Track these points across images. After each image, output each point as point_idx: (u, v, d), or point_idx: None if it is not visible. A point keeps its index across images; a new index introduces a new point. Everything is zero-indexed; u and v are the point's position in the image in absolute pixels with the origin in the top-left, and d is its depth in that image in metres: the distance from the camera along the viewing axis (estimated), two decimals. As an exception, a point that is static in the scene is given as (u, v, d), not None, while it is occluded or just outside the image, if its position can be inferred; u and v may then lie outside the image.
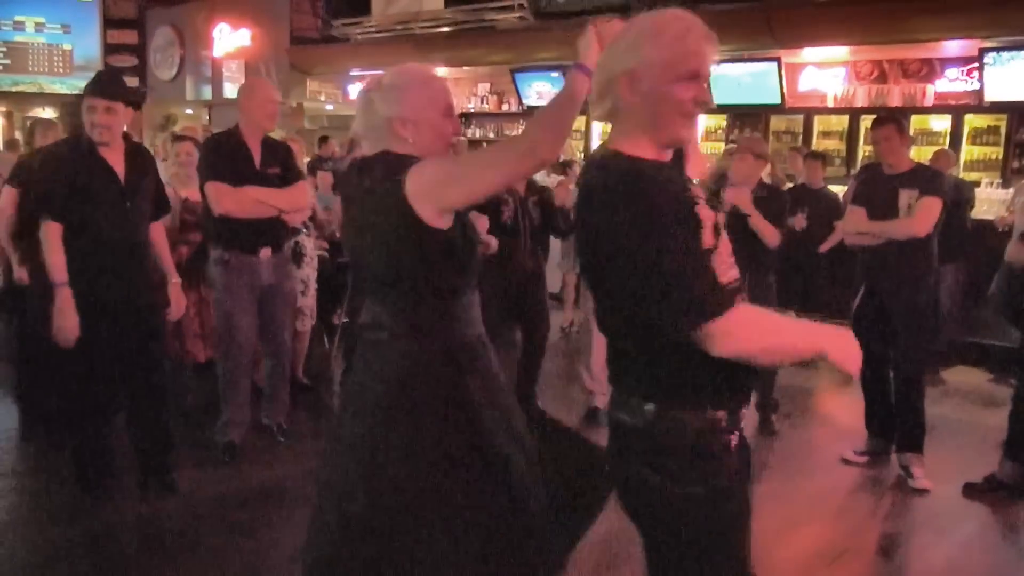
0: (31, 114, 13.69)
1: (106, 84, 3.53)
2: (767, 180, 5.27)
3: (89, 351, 3.50)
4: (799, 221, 5.69)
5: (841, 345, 1.55)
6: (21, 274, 4.57)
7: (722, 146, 9.44)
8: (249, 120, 4.13)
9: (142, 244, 3.67)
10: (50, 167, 3.54)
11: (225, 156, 4.06)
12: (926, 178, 4.20)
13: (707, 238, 1.56)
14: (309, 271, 5.36)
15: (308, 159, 10.46)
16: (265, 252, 4.17)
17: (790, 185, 7.01)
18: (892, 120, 4.31)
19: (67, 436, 3.83)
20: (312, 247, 5.44)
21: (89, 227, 3.45)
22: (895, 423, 4.36)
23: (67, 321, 3.37)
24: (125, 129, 3.66)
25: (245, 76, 13.00)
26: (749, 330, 1.54)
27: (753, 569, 1.71)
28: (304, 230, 5.23)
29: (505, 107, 12.13)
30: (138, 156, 3.68)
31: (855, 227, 4.39)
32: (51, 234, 3.41)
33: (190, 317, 4.80)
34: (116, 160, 3.54)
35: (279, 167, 4.18)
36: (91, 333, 3.47)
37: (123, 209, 3.55)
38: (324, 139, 10.57)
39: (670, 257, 1.50)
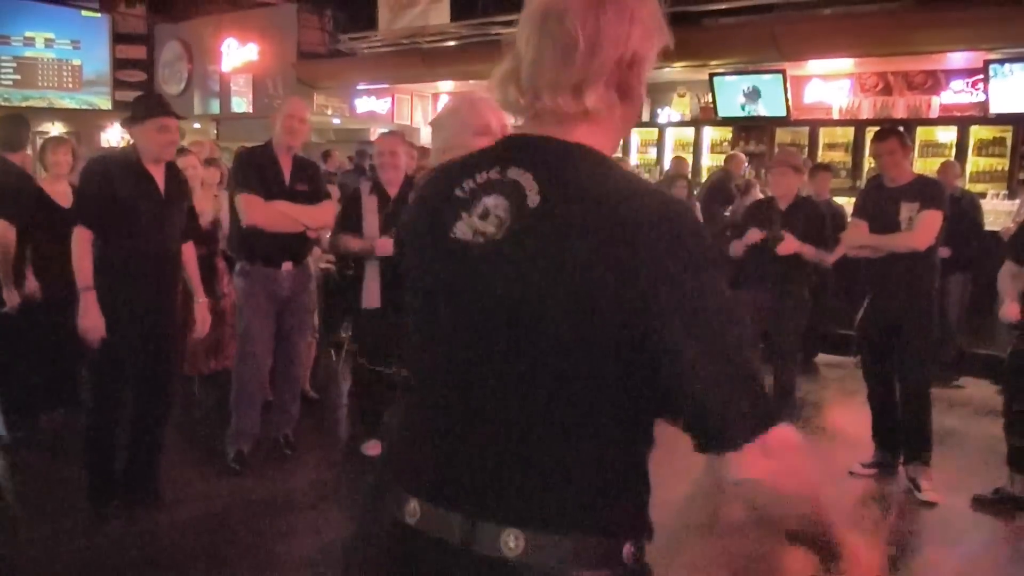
0: (40, 129, 13.78)
1: (169, 105, 3.70)
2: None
3: (118, 358, 3.57)
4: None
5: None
6: (31, 287, 4.63)
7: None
8: (276, 136, 4.26)
9: (176, 258, 3.77)
10: (95, 178, 3.61)
11: (257, 170, 4.19)
12: (927, 191, 4.21)
13: None
14: (314, 285, 5.39)
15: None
16: (287, 265, 4.26)
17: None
18: (895, 133, 4.32)
19: (85, 446, 3.77)
20: (314, 262, 5.46)
21: (130, 237, 3.53)
22: (902, 435, 4.35)
23: (92, 321, 3.45)
24: None
25: (253, 91, 13.08)
26: (790, 454, 1.07)
27: None
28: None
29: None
30: (175, 174, 3.80)
31: (856, 240, 4.40)
32: (82, 240, 3.49)
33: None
34: (159, 176, 3.64)
35: (307, 184, 4.28)
36: (122, 341, 3.54)
37: (162, 222, 3.63)
38: (327, 153, 10.63)
39: (741, 327, 1.04)
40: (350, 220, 4.44)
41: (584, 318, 1.02)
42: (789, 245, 4.68)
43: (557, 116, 1.12)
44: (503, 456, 1.09)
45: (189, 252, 3.93)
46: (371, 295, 4.42)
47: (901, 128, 4.82)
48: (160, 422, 3.81)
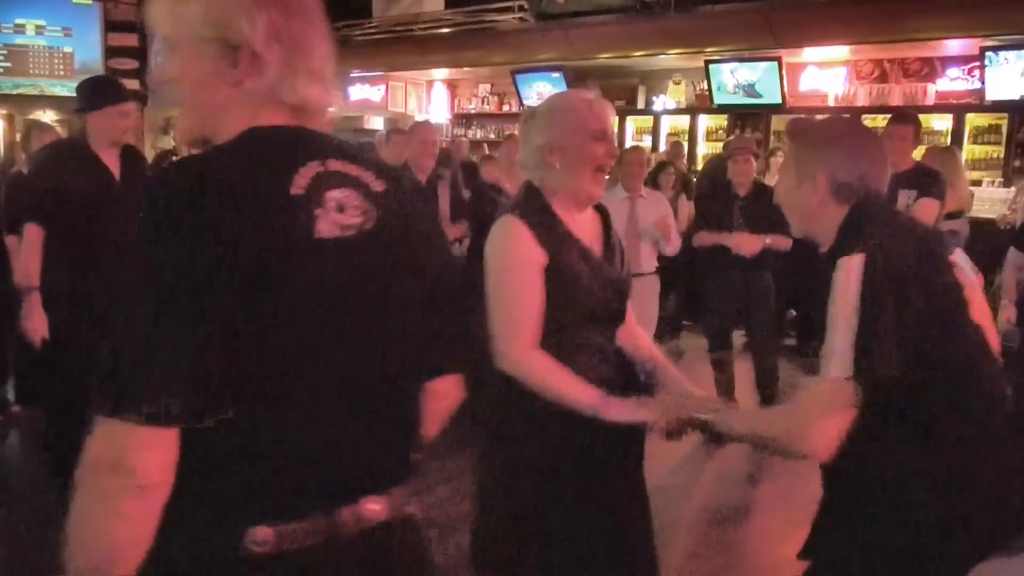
0: (32, 117, 13.69)
1: (126, 90, 3.64)
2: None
3: (83, 356, 3.47)
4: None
5: None
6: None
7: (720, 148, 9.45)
8: None
9: None
10: (44, 171, 3.52)
11: None
12: (926, 179, 4.19)
13: None
14: None
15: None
16: None
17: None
18: (914, 120, 4.30)
19: (48, 448, 3.72)
20: None
21: (85, 230, 3.40)
22: None
23: (36, 323, 3.36)
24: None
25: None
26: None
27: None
28: None
29: (506, 108, 12.14)
30: (132, 159, 3.68)
31: None
32: (33, 237, 3.36)
33: None
34: (113, 162, 3.55)
35: None
36: (85, 335, 3.39)
37: (120, 211, 3.45)
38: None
39: None
40: None
41: (424, 282, 1.22)
42: (753, 245, 4.80)
43: (311, 113, 1.18)
44: (384, 433, 1.18)
45: None
46: None
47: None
48: None
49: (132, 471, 0.97)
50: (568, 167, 1.98)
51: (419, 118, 12.94)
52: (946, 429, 1.61)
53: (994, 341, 1.79)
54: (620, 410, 1.84)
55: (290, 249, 1.03)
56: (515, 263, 1.93)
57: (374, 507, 1.14)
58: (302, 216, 1.05)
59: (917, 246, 1.63)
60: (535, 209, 1.99)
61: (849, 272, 1.56)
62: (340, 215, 1.08)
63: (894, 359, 1.52)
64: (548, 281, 1.91)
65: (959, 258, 1.82)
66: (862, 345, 1.52)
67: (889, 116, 8.73)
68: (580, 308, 1.95)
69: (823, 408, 1.59)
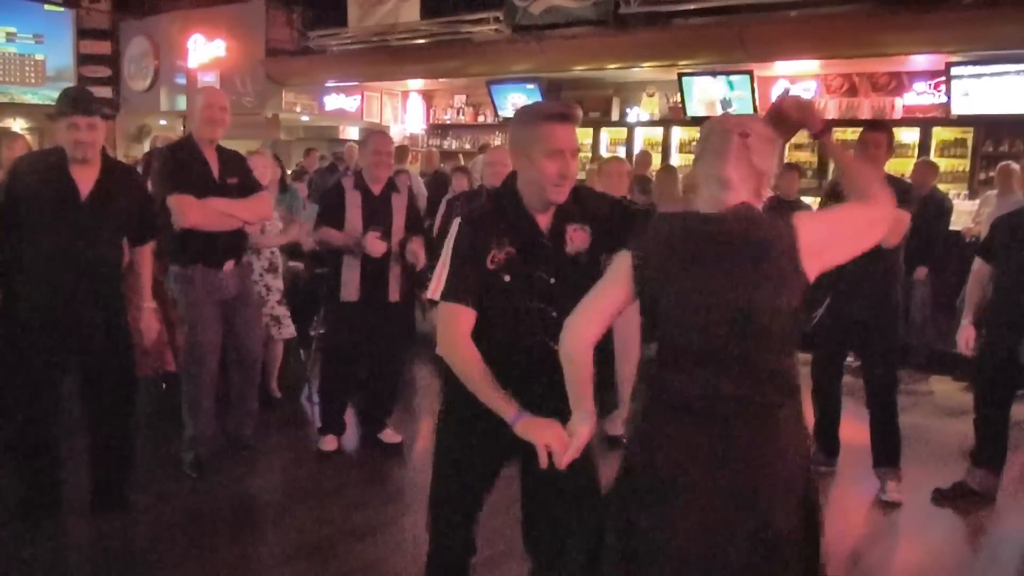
0: (2, 125, 13.53)
1: (87, 101, 3.43)
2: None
3: (33, 368, 3.44)
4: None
5: None
6: None
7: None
8: (197, 129, 4.07)
9: (102, 263, 3.51)
10: (11, 176, 3.46)
11: (184, 167, 3.98)
12: (896, 190, 4.14)
13: None
14: (280, 281, 5.34)
15: (291, 170, 10.46)
16: (229, 264, 4.12)
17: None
18: (887, 129, 4.27)
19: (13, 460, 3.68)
20: (281, 257, 5.42)
21: (39, 241, 3.36)
22: (872, 438, 4.28)
23: None
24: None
25: (220, 87, 12.94)
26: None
27: None
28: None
29: (481, 119, 12.19)
30: (113, 174, 3.55)
31: None
32: None
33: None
34: (87, 176, 3.43)
35: (237, 177, 4.12)
36: (35, 350, 3.42)
37: (78, 226, 3.41)
38: (309, 151, 10.69)
39: None
40: (332, 214, 4.42)
41: None
42: None
43: None
44: None
45: (142, 256, 3.74)
46: (349, 288, 4.40)
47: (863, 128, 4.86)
48: (118, 431, 3.68)
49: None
50: None
51: (394, 128, 12.99)
52: None
53: None
54: None
55: None
56: None
57: None
58: None
59: None
60: None
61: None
62: None
63: None
64: None
65: None
66: None
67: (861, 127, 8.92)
68: None
69: None
